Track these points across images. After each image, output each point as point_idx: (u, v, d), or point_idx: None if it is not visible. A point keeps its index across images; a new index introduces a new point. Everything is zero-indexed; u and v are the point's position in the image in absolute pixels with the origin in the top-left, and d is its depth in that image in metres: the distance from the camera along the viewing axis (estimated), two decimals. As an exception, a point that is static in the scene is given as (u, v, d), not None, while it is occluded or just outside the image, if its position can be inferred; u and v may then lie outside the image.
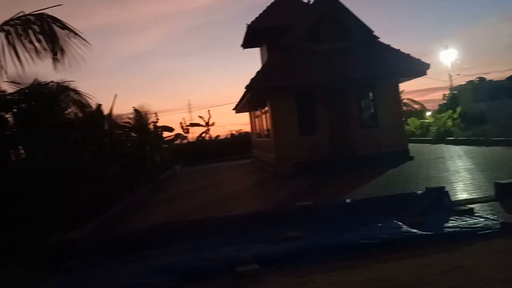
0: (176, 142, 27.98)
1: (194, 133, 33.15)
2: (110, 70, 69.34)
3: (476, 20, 76.64)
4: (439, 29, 77.38)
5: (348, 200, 8.11)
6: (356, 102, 16.03)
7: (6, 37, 7.84)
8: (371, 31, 16.29)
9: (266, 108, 17.24)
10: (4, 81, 8.76)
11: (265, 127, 18.79)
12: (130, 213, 11.29)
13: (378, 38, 16.40)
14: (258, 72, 15.53)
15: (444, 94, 31.71)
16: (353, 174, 13.23)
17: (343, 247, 5.95)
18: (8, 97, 9.07)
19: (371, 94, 16.14)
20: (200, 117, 32.00)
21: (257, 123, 22.02)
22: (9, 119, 9.44)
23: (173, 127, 23.37)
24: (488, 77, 28.58)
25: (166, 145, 23.31)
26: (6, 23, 7.97)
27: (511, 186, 7.92)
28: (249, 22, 18.83)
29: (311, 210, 7.87)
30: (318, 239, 6.39)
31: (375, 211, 7.53)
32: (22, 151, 9.53)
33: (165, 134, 23.01)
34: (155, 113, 20.49)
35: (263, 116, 18.87)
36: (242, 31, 19.31)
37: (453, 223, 6.47)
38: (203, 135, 31.39)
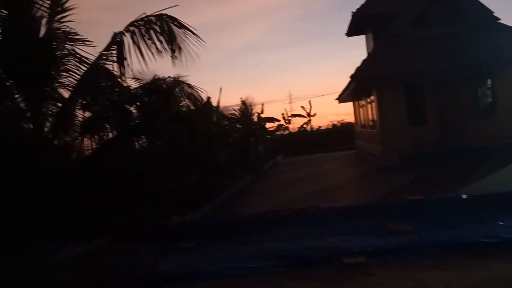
0: (278, 132, 28.58)
1: (295, 124, 33.52)
2: (216, 64, 72.57)
3: None
4: None
5: (464, 196, 7.62)
6: (470, 91, 14.83)
7: (132, 37, 8.68)
8: (490, 12, 14.89)
9: (372, 98, 16.74)
10: (129, 78, 9.71)
11: (370, 117, 18.27)
12: (238, 199, 11.87)
13: (499, 19, 14.93)
14: (363, 61, 15.17)
15: None
16: (466, 168, 12.31)
17: (457, 244, 5.65)
18: (132, 91, 10.07)
19: (488, 82, 14.80)
20: (302, 107, 32.21)
21: (361, 113, 21.49)
22: (133, 111, 10.49)
23: (278, 118, 23.90)
24: None
25: (269, 136, 23.92)
26: (131, 24, 8.82)
27: None
28: (354, 10, 18.41)
29: (420, 204, 7.56)
30: (429, 235, 6.14)
31: (493, 208, 6.99)
32: (144, 140, 10.55)
33: (268, 125, 23.64)
34: (262, 104, 21.12)
35: (368, 106, 18.36)
36: (346, 20, 18.93)
37: None
38: (305, 125, 31.55)
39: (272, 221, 7.91)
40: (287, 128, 30.97)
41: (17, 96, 8.33)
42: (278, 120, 23.86)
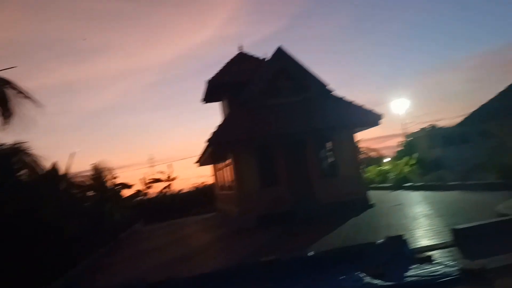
0: (137, 198, 27.33)
1: (156, 189, 32.56)
2: (70, 126, 67.95)
3: (427, 69, 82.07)
4: (395, 79, 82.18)
5: (311, 253, 8.06)
6: (315, 153, 16.34)
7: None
8: (325, 85, 16.95)
9: (228, 161, 17.26)
10: None
11: (227, 180, 18.71)
12: (91, 272, 10.84)
13: (332, 91, 17.07)
14: (218, 126, 15.68)
15: (400, 141, 32.90)
16: (316, 225, 13.24)
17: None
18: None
19: (329, 145, 16.54)
20: (160, 172, 31.52)
21: (220, 176, 21.92)
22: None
23: (132, 184, 22.88)
24: (440, 124, 30.13)
25: (126, 202, 22.68)
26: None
27: (468, 231, 8.15)
28: (209, 78, 19.20)
29: (275, 265, 7.72)
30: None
31: (339, 262, 7.48)
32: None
33: (126, 191, 22.51)
34: (111, 170, 20.00)
35: (226, 169, 18.84)
36: (204, 86, 19.57)
37: (414, 271, 6.50)
38: (164, 190, 30.78)
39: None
40: (146, 194, 29.81)
41: None
42: (132, 186, 22.73)
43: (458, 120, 18.57)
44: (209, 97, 20.98)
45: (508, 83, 15.27)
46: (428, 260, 6.95)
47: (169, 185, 30.66)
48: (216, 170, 23.36)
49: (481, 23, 76.00)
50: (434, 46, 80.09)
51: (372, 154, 35.46)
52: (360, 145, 33.25)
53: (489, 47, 77.90)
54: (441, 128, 28.63)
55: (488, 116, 15.78)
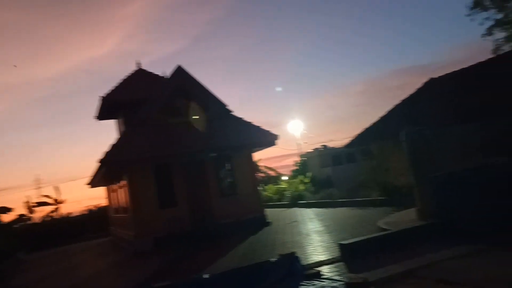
0: (20, 223, 24.73)
1: (42, 212, 29.78)
2: None
3: (318, 93, 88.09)
4: (291, 101, 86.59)
5: (206, 276, 7.98)
6: (214, 172, 16.40)
7: None
8: (224, 105, 17.24)
9: (123, 182, 16.52)
10: None
11: (122, 202, 17.87)
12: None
13: (231, 111, 17.40)
14: (113, 145, 14.98)
15: (296, 161, 34.43)
16: (215, 245, 13.23)
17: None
18: None
19: (228, 164, 16.73)
20: (45, 195, 28.96)
21: (114, 198, 20.84)
22: None
23: (13, 207, 20.56)
24: (331, 144, 32.19)
25: (6, 228, 20.41)
26: None
27: (353, 246, 8.73)
28: (104, 94, 18.35)
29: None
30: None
31: (234, 283, 7.52)
32: None
33: (6, 215, 20.23)
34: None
35: (120, 190, 18.00)
36: (98, 102, 18.58)
37: (304, 287, 6.79)
38: (52, 213, 28.28)
39: None
40: (30, 218, 27.08)
41: None
42: (11, 210, 20.39)
43: (346, 141, 20.06)
44: (103, 114, 20.01)
45: (388, 109, 17.00)
46: (317, 275, 7.32)
47: (57, 208, 28.28)
48: (110, 192, 22.19)
49: (366, 50, 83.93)
50: (327, 70, 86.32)
51: (270, 173, 36.57)
52: (258, 164, 34.14)
53: (372, 74, 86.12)
54: (331, 149, 30.59)
55: (370, 138, 17.33)
